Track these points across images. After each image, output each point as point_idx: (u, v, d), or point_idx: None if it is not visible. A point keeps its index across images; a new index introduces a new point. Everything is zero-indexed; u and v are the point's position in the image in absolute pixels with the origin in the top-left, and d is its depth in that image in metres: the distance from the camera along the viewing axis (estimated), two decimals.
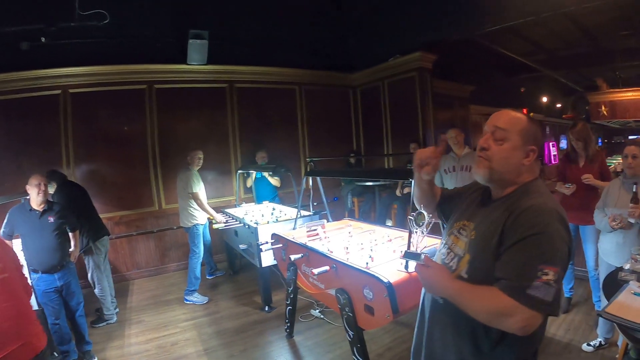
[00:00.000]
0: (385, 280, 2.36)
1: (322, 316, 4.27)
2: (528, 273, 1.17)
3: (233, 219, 5.23)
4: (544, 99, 13.21)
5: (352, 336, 2.72)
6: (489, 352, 1.34)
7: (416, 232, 1.62)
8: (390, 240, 3.50)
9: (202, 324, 4.36)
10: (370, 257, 2.93)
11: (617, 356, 3.23)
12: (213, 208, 5.17)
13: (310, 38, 7.03)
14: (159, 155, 6.12)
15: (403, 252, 1.51)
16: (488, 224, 1.37)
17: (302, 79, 7.56)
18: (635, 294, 2.13)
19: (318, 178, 4.30)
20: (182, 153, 5.33)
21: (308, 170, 4.08)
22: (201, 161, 5.21)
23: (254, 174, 6.47)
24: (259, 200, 6.37)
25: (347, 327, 2.74)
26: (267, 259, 4.32)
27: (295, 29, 6.75)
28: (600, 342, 3.48)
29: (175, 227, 6.11)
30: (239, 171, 6.35)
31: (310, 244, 3.45)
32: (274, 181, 6.35)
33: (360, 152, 8.45)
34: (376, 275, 2.44)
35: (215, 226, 5.11)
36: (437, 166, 1.62)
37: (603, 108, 9.88)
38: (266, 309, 4.55)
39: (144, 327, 4.32)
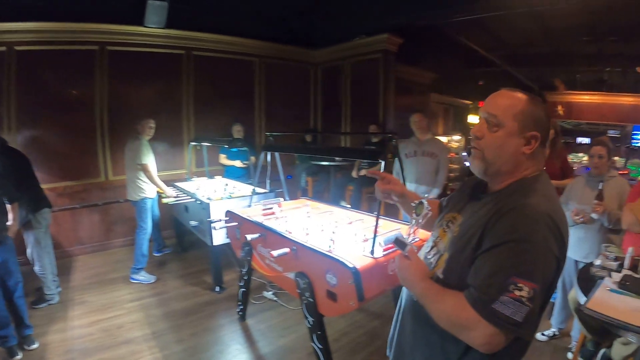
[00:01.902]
0: (351, 266, 2.22)
1: (275, 298, 4.12)
2: (498, 285, 1.02)
3: (184, 193, 4.97)
4: None
5: (311, 322, 2.58)
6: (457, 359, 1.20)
7: (413, 221, 1.46)
8: (351, 222, 3.37)
9: (150, 305, 4.10)
10: (331, 240, 2.76)
11: (569, 346, 3.36)
12: (163, 181, 4.85)
13: (274, 9, 6.73)
14: (107, 122, 5.68)
15: (394, 238, 1.37)
16: (473, 221, 1.21)
17: (262, 51, 7.26)
18: (611, 290, 2.14)
19: (276, 154, 4.11)
20: (133, 122, 4.90)
21: (266, 144, 3.86)
22: (152, 131, 4.85)
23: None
24: (229, 176, 6.12)
25: (306, 312, 2.60)
26: (219, 237, 4.12)
27: None
28: (554, 332, 3.60)
29: (122, 200, 5.71)
30: (192, 143, 6.04)
31: (268, 224, 3.25)
32: (242, 165, 6.11)
33: (317, 130, 8.30)
34: (341, 259, 2.30)
35: (164, 200, 4.81)
36: (396, 188, 1.64)
37: (559, 108, 10.24)
38: (217, 289, 4.35)
39: (88, 309, 4.00)
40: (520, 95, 1.24)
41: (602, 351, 2.83)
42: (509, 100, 1.23)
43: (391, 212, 5.57)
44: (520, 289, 0.99)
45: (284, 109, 7.77)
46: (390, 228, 3.02)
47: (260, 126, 7.47)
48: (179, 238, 5.74)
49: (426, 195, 4.39)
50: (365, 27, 6.88)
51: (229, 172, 6.23)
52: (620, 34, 7.28)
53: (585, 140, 11.46)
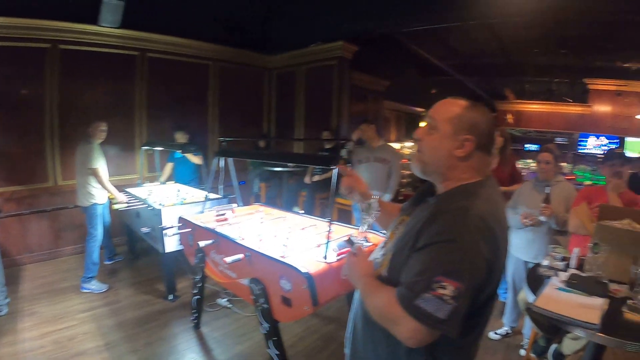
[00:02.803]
0: (305, 271, 2.22)
1: (230, 305, 4.05)
2: (423, 282, 1.06)
3: (135, 199, 4.81)
4: None
5: (267, 329, 2.55)
6: (405, 356, 1.23)
7: (364, 221, 1.57)
8: (304, 228, 3.37)
9: (102, 315, 3.94)
10: (285, 245, 2.76)
11: (522, 343, 3.49)
12: (114, 186, 4.68)
13: (231, 13, 6.66)
14: (57, 124, 5.43)
15: (348, 237, 1.50)
16: (414, 222, 1.24)
17: (217, 55, 7.16)
18: (559, 288, 2.22)
19: (230, 160, 4.06)
20: (84, 124, 4.72)
21: (220, 150, 3.81)
22: (104, 134, 4.69)
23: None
24: (179, 181, 5.99)
25: (262, 319, 2.57)
26: (171, 244, 4.01)
27: (217, 1, 6.36)
28: (507, 330, 3.72)
29: (71, 206, 5.45)
30: (144, 147, 5.83)
31: (221, 230, 3.20)
32: (196, 159, 5.94)
33: (270, 136, 8.26)
34: (294, 265, 2.29)
35: (115, 206, 4.64)
36: (359, 186, 1.72)
37: (509, 116, 10.65)
38: (170, 297, 4.24)
39: (38, 320, 3.80)
40: (461, 102, 1.30)
41: (553, 347, 2.96)
42: (448, 106, 1.30)
43: (344, 217, 5.61)
44: (444, 288, 1.03)
45: (238, 114, 7.69)
46: (343, 233, 3.05)
47: (213, 131, 7.35)
48: (131, 245, 5.56)
49: (376, 195, 4.46)
50: (321, 34, 6.93)
51: (179, 177, 6.09)
52: (569, 47, 7.63)
53: (534, 147, 11.96)
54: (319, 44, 7.07)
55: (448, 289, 1.02)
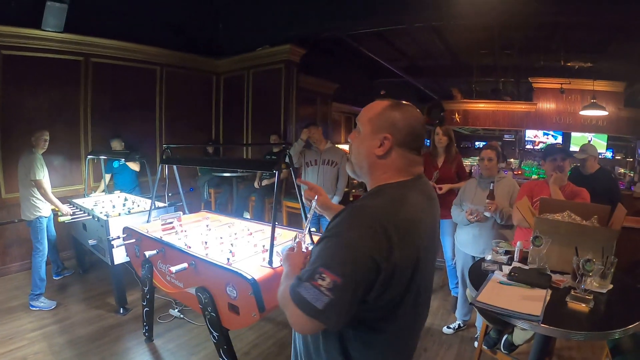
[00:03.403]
0: (250, 277, 2.20)
1: (182, 316, 3.97)
2: (309, 272, 1.10)
3: (81, 210, 4.64)
4: None
5: (217, 337, 2.51)
6: (324, 350, 1.27)
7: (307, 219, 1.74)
8: (251, 233, 3.35)
9: (53, 333, 3.77)
10: (230, 252, 2.75)
11: (475, 336, 3.60)
12: (59, 198, 4.51)
13: (177, 17, 6.55)
14: None
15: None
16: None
17: (164, 59, 7.02)
18: (501, 282, 2.26)
19: (175, 167, 3.97)
20: (27, 133, 4.53)
21: (164, 157, 3.72)
22: (47, 144, 4.50)
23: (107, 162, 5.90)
24: (119, 188, 5.83)
25: (210, 328, 2.52)
26: (120, 256, 3.90)
27: (163, 4, 6.25)
28: (459, 324, 3.85)
29: (17, 220, 5.19)
30: (89, 156, 5.62)
31: (166, 239, 3.12)
32: (134, 165, 5.80)
33: (219, 141, 8.20)
34: (239, 271, 2.27)
35: (61, 219, 4.43)
36: (321, 199, 1.76)
37: (456, 115, 10.93)
38: (121, 311, 4.12)
39: None
40: (382, 102, 1.32)
41: (504, 337, 3.02)
42: (369, 108, 1.34)
43: (294, 221, 5.59)
44: (324, 279, 1.05)
45: (186, 120, 7.57)
46: (290, 237, 3.02)
47: (160, 137, 7.19)
48: (79, 258, 5.34)
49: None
50: (269, 37, 6.93)
51: (120, 185, 5.95)
52: (513, 48, 7.90)
53: (483, 143, 12.32)
54: (267, 48, 7.06)
55: (326, 281, 1.05)
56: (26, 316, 4.11)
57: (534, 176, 10.02)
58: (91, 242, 4.18)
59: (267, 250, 2.70)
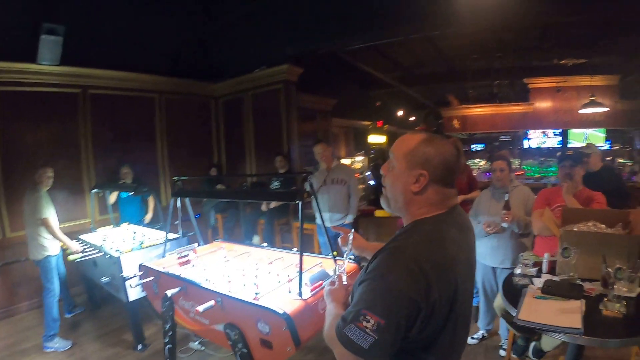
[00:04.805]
0: (282, 312, 2.16)
1: (202, 348, 3.90)
2: (353, 314, 1.15)
3: (90, 246, 4.55)
4: (399, 113, 14.37)
5: None
6: None
7: (344, 254, 1.76)
8: (271, 262, 3.30)
9: None
10: (255, 284, 2.69)
11: (500, 344, 3.63)
12: (65, 234, 4.43)
13: (173, 43, 6.54)
14: (1, 172, 5.12)
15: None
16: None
17: (161, 87, 6.99)
18: (537, 297, 2.27)
19: (187, 198, 3.88)
20: (30, 170, 4.51)
21: (175, 190, 3.66)
22: (51, 180, 4.44)
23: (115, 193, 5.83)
24: (127, 221, 5.74)
25: None
26: (135, 292, 3.80)
27: (158, 32, 6.22)
28: (483, 334, 3.84)
29: (23, 259, 5.08)
30: (94, 190, 5.54)
31: (186, 275, 3.06)
32: (151, 202, 5.86)
33: (221, 166, 8.15)
34: (270, 307, 2.21)
35: (71, 257, 4.34)
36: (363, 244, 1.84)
37: (455, 122, 11.00)
38: (139, 347, 4.03)
39: None
40: (415, 136, 1.35)
41: (532, 344, 3.05)
42: (403, 142, 1.36)
43: (305, 243, 5.54)
44: (368, 321, 1.11)
45: (187, 146, 7.53)
46: (311, 263, 3.01)
47: (163, 165, 7.14)
48: (90, 294, 5.22)
49: (342, 222, 4.49)
50: (266, 58, 6.92)
51: (128, 216, 5.88)
52: (505, 50, 7.95)
53: (480, 146, 12.36)
54: (264, 69, 7.05)
55: (370, 322, 1.10)
56: (41, 358, 4.02)
57: (536, 175, 10.08)
58: (104, 279, 4.09)
59: (291, 280, 2.68)
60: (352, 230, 1.80)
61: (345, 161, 10.45)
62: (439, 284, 1.15)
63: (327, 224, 4.59)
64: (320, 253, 4.55)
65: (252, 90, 7.42)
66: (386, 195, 1.40)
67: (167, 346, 3.32)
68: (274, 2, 6.34)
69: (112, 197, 5.90)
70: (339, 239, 1.86)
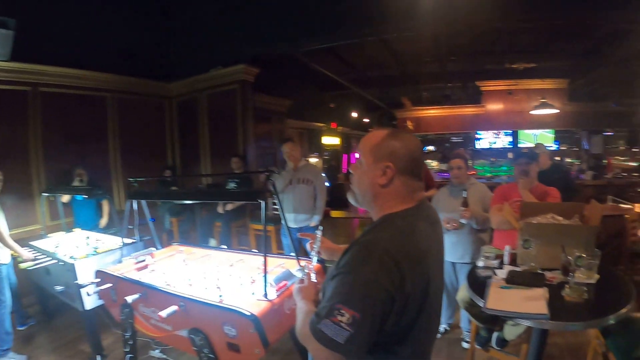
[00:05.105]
0: (249, 314, 2.13)
1: (164, 356, 3.76)
2: (327, 309, 1.16)
3: (42, 253, 4.28)
4: (353, 114, 14.53)
5: None
6: None
7: (313, 254, 1.72)
8: (232, 265, 3.25)
9: None
10: (218, 287, 2.65)
11: (461, 337, 3.75)
12: (15, 241, 4.17)
13: (127, 41, 6.35)
14: None
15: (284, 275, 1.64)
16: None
17: (114, 85, 6.81)
18: (502, 287, 2.35)
19: (143, 201, 3.77)
20: None
21: (132, 191, 3.54)
22: (0, 184, 4.23)
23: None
24: (80, 226, 5.46)
25: None
26: (91, 300, 3.60)
27: (112, 29, 6.05)
28: (445, 328, 3.94)
29: None
30: (44, 194, 5.24)
31: (146, 280, 2.96)
32: (106, 206, 5.64)
33: (175, 168, 8.00)
34: (236, 309, 2.18)
35: (22, 265, 4.10)
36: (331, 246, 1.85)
37: (409, 123, 11.25)
38: (98, 358, 3.83)
39: None
40: (380, 132, 1.37)
41: (495, 335, 3.16)
42: (369, 138, 1.38)
43: (262, 244, 5.46)
44: (343, 315, 1.11)
45: (140, 147, 7.36)
46: (274, 264, 3.00)
47: (115, 168, 6.95)
48: (43, 304, 4.92)
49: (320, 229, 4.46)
50: (221, 58, 6.89)
51: (81, 222, 5.63)
52: (458, 54, 8.19)
53: (431, 147, 12.73)
54: (220, 69, 7.01)
55: (345, 317, 1.10)
56: None
57: (488, 174, 10.43)
58: (58, 288, 3.90)
59: (255, 282, 2.68)
60: (321, 229, 1.80)
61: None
62: (412, 276, 1.17)
63: (292, 225, 4.55)
64: (280, 254, 4.49)
65: (208, 90, 7.37)
66: (354, 191, 1.42)
67: (128, 355, 3.20)
68: (231, 2, 6.29)
69: (65, 198, 5.61)
70: (307, 245, 1.87)
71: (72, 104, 6.22)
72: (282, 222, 4.52)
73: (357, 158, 1.41)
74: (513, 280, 2.36)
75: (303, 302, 1.45)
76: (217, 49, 6.76)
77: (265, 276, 2.43)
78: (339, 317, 1.11)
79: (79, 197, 5.58)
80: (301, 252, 4.32)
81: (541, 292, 2.19)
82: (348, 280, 1.16)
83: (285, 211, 4.31)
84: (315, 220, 4.54)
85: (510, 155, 10.57)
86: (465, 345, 3.64)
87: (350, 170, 1.44)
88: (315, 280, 1.58)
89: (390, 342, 1.24)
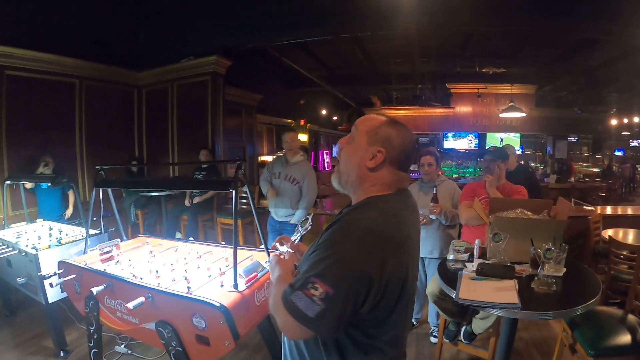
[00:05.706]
0: (219, 305, 2.09)
1: (129, 351, 3.66)
2: (301, 281, 1.13)
3: (3, 244, 4.10)
4: (322, 112, 14.54)
5: None
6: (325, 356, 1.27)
7: (297, 232, 1.72)
8: (200, 256, 3.19)
9: None
10: (186, 279, 2.59)
11: (429, 331, 3.80)
12: None
13: (96, 26, 6.19)
14: None
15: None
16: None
17: (83, 72, 6.63)
18: (473, 278, 2.41)
19: (109, 190, 3.67)
20: None
21: (98, 179, 3.43)
22: None
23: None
24: (45, 216, 5.23)
25: None
26: (55, 292, 3.49)
27: (83, 13, 5.92)
28: (413, 323, 3.97)
29: None
30: (7, 182, 5.03)
31: (111, 271, 2.89)
32: (71, 195, 5.47)
33: (143, 159, 7.86)
34: (206, 300, 2.15)
35: None
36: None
37: None
38: (62, 354, 3.68)
39: None
40: (380, 117, 1.37)
41: (463, 329, 3.25)
42: (369, 119, 1.37)
43: (229, 237, 5.41)
44: (316, 289, 1.09)
45: (107, 137, 7.22)
46: (243, 256, 2.97)
47: (81, 155, 6.79)
48: (4, 298, 4.66)
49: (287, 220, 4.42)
50: (193, 48, 6.80)
51: (46, 212, 5.43)
52: (429, 56, 8.32)
53: None
54: (191, 59, 6.91)
55: (318, 291, 1.08)
56: None
57: (454, 175, 10.65)
58: (20, 280, 3.75)
59: (224, 274, 2.65)
60: (310, 217, 1.77)
61: (267, 158, 10.44)
62: (394, 260, 1.17)
63: (272, 216, 4.55)
64: (244, 245, 4.38)
65: (178, 81, 7.25)
66: (338, 169, 1.40)
67: (93, 350, 3.11)
68: None
69: (28, 185, 5.44)
70: (279, 238, 1.81)
71: (39, 89, 6.03)
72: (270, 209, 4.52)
73: (350, 134, 1.39)
74: (484, 272, 2.42)
75: (279, 273, 1.42)
76: (189, 38, 6.68)
77: (235, 267, 2.39)
78: (312, 291, 1.09)
79: (44, 186, 5.40)
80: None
81: (512, 284, 2.26)
82: (326, 256, 1.13)
83: (268, 199, 4.36)
84: (298, 215, 4.40)
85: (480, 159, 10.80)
86: (433, 339, 3.69)
87: (339, 145, 1.42)
88: (295, 257, 1.58)
89: (370, 326, 1.22)
